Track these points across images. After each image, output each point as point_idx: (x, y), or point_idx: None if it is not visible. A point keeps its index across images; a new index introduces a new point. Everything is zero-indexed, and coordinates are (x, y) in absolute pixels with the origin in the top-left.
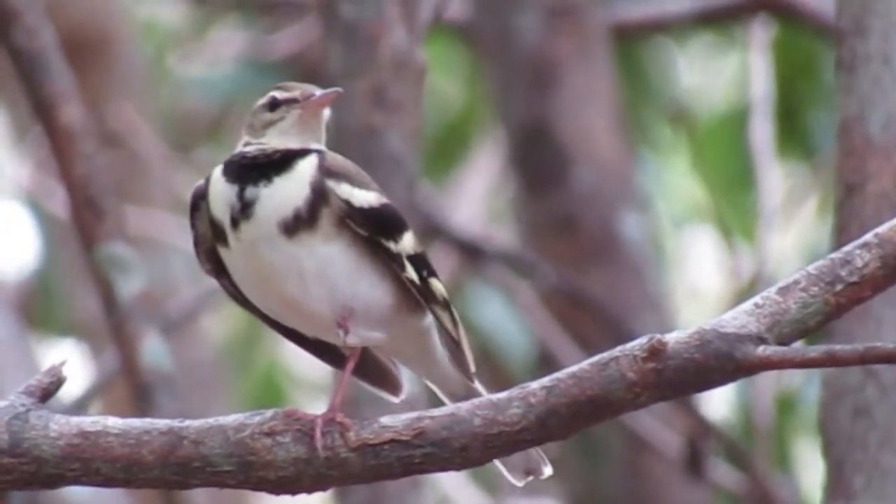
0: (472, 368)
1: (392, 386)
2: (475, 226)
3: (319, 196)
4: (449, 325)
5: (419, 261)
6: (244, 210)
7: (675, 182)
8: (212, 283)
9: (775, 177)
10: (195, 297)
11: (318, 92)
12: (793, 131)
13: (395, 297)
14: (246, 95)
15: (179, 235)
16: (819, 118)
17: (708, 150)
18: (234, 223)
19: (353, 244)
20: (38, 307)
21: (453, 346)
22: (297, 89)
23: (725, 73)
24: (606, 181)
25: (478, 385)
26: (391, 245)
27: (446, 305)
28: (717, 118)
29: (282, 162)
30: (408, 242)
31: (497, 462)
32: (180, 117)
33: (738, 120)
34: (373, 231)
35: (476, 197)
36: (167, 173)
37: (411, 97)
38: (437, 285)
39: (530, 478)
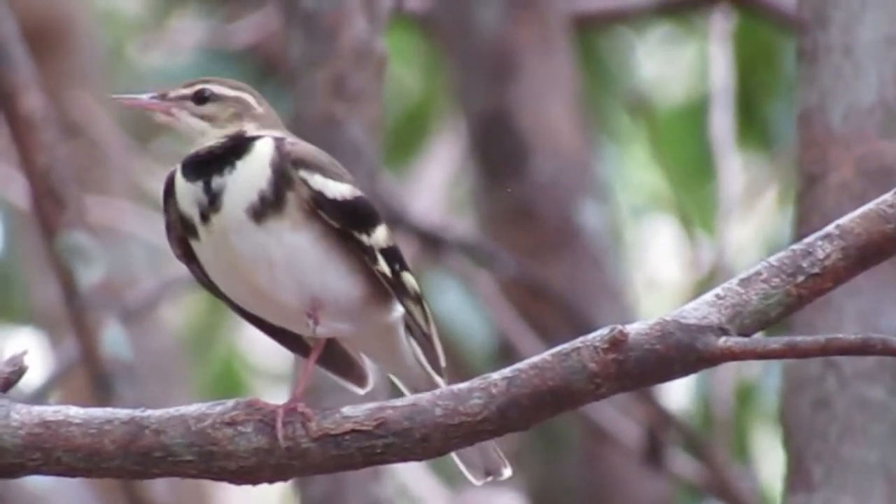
0: (443, 364)
1: (358, 377)
2: (435, 215)
3: (282, 178)
4: (421, 319)
5: (391, 254)
6: (213, 202)
7: (634, 172)
8: (171, 272)
9: (735, 167)
10: (155, 287)
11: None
12: (752, 122)
13: (364, 289)
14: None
15: (139, 225)
16: (778, 109)
17: (667, 141)
18: (204, 218)
19: (324, 235)
20: None
21: (424, 340)
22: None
23: (685, 64)
24: (566, 171)
25: (441, 382)
26: (364, 238)
27: (418, 300)
28: (677, 108)
29: (238, 147)
30: (380, 235)
31: (458, 461)
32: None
33: (697, 110)
34: (345, 223)
35: (435, 186)
36: (127, 163)
37: (372, 87)
38: (410, 279)
39: (490, 478)
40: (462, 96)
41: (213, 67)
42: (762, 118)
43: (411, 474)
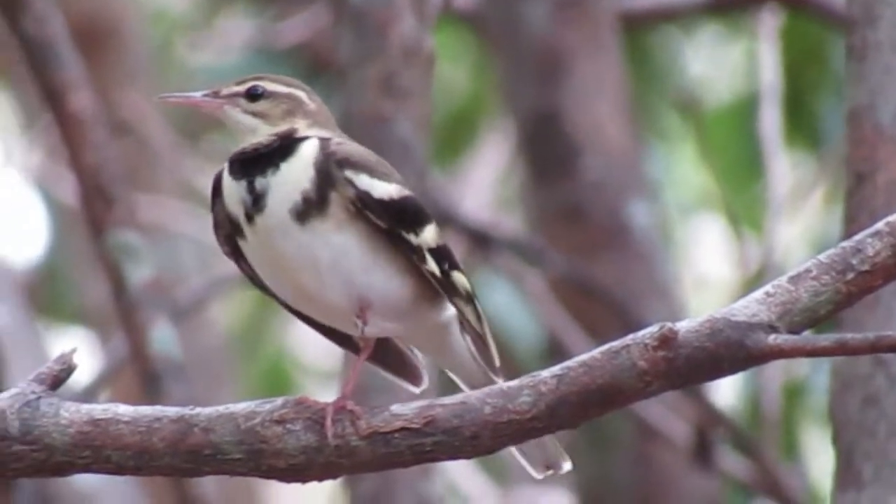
0: (497, 363)
1: (412, 375)
2: (484, 214)
3: (325, 179)
4: (472, 318)
5: (441, 253)
6: (256, 203)
7: (682, 171)
8: (221, 270)
9: (783, 166)
10: (204, 285)
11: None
12: (800, 120)
13: (414, 289)
14: None
15: (188, 223)
16: (827, 107)
17: (715, 139)
18: (249, 218)
19: (370, 235)
20: (48, 295)
21: (477, 340)
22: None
23: (733, 62)
24: (614, 170)
25: (500, 379)
26: (411, 237)
27: (469, 299)
28: (725, 107)
29: (284, 148)
30: (429, 235)
31: (517, 455)
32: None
33: (745, 109)
34: (393, 223)
35: (484, 185)
36: (176, 161)
37: (421, 85)
38: (460, 278)
39: (549, 472)
40: (511, 95)
41: (262, 66)
42: (810, 116)
43: (461, 472)
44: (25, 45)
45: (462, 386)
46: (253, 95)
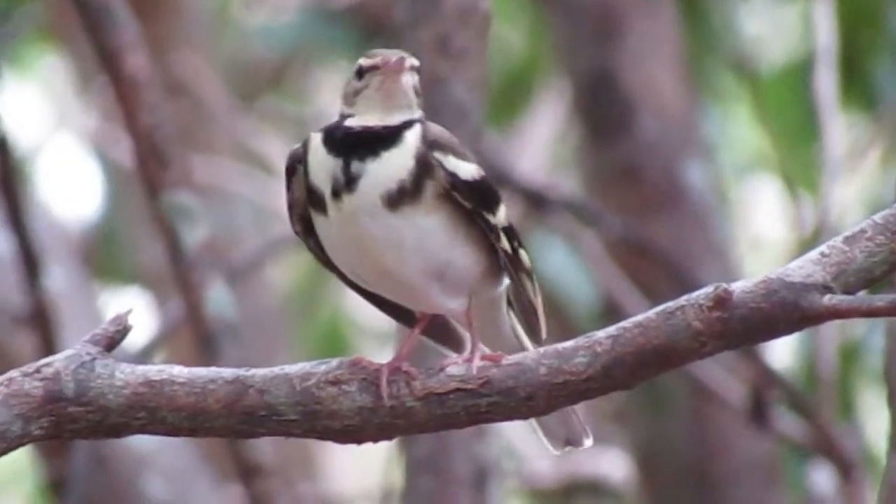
0: (544, 335)
1: (455, 344)
2: (539, 175)
3: (424, 168)
4: (531, 293)
5: (511, 232)
6: (349, 184)
7: (738, 131)
8: (276, 231)
9: (838, 127)
10: (259, 246)
11: (393, 57)
12: (856, 81)
13: (484, 265)
14: (309, 45)
15: (244, 184)
16: (882, 68)
17: (771, 100)
18: (336, 195)
19: (452, 215)
20: (103, 256)
21: (530, 311)
22: (380, 55)
23: (788, 23)
24: (670, 130)
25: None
26: (490, 217)
27: (530, 275)
28: (781, 68)
29: (388, 136)
30: (502, 214)
31: (538, 429)
32: (244, 66)
33: (801, 69)
34: (476, 203)
35: (540, 146)
36: (231, 122)
37: (476, 46)
38: (525, 255)
39: (569, 448)
40: (566, 55)
41: (317, 27)
42: (866, 77)
43: (517, 433)
44: (81, 7)
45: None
46: (418, 71)
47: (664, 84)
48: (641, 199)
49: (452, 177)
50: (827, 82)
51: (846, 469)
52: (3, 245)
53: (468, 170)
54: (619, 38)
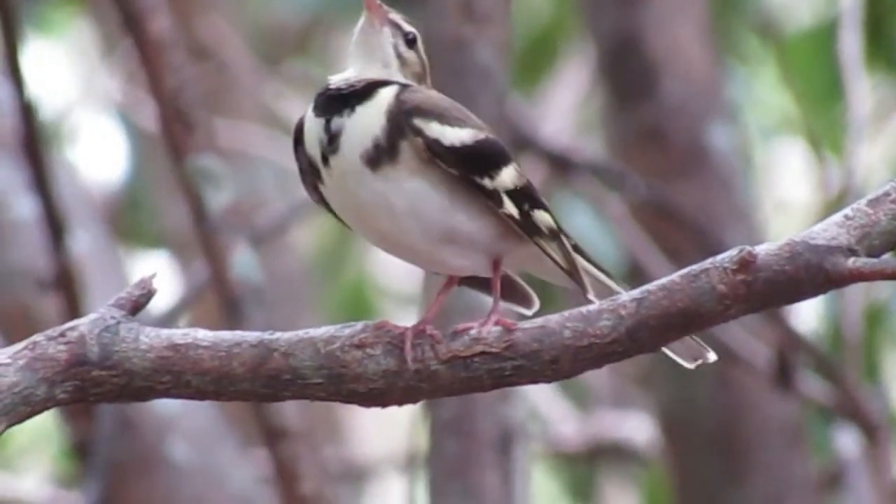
0: (590, 295)
1: (522, 298)
2: (564, 138)
3: (397, 127)
4: (557, 255)
5: (521, 194)
6: (331, 143)
7: (763, 94)
8: (301, 195)
9: (863, 89)
10: (284, 210)
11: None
12: (881, 43)
13: (498, 227)
14: (334, 8)
15: (268, 148)
16: None
17: (796, 63)
18: (325, 159)
19: (446, 180)
20: (128, 220)
21: (567, 274)
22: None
23: None
24: (695, 93)
25: (616, 286)
26: (486, 182)
27: (554, 235)
28: (806, 30)
29: (364, 91)
30: (507, 177)
31: (667, 350)
32: (269, 29)
33: (826, 32)
34: (465, 170)
35: (564, 109)
36: (256, 86)
37: (500, 9)
38: (543, 216)
39: (699, 362)
40: (591, 19)
41: None
42: (890, 40)
43: (542, 397)
44: None
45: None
46: (411, 40)
47: (689, 47)
48: (666, 163)
49: (434, 143)
50: (852, 44)
51: (871, 432)
52: (28, 208)
53: (456, 135)
54: (643, 1)
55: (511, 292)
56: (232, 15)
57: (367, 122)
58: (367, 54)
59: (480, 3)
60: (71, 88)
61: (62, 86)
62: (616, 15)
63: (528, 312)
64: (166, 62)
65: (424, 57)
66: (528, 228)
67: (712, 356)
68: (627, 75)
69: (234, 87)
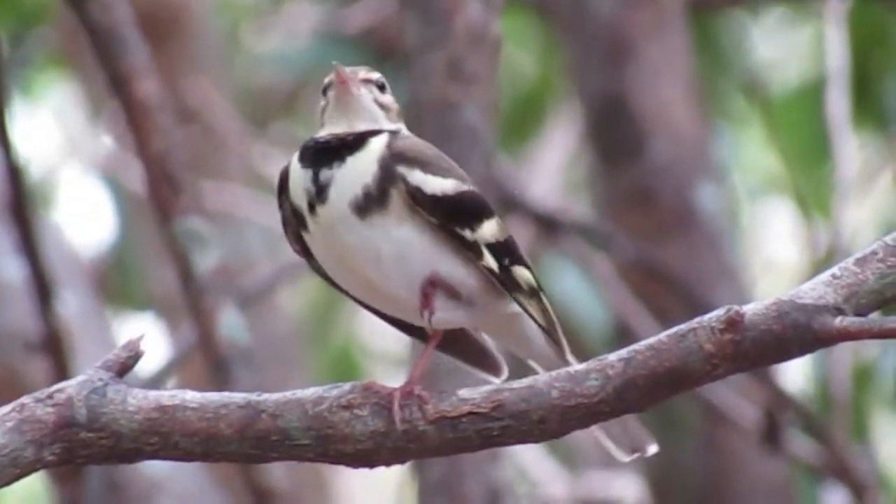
0: (567, 353)
1: (492, 366)
2: (551, 198)
3: (388, 174)
4: (536, 313)
5: (501, 248)
6: (319, 193)
7: (750, 154)
8: (288, 256)
9: (850, 148)
10: (272, 271)
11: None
12: (868, 103)
13: (480, 279)
14: (321, 70)
15: (255, 210)
16: (894, 89)
17: (783, 122)
18: (311, 208)
19: (430, 228)
20: (115, 282)
21: (545, 332)
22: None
23: (800, 45)
24: (683, 153)
25: (573, 361)
26: (466, 233)
27: (534, 293)
28: (793, 90)
29: (355, 142)
30: (488, 230)
31: (603, 439)
32: (256, 92)
33: (813, 92)
34: (444, 219)
35: (552, 169)
36: (243, 148)
37: (487, 70)
38: (523, 273)
39: (636, 455)
40: (578, 79)
41: (329, 52)
42: (878, 99)
43: (530, 457)
44: (91, 31)
45: (540, 371)
46: (382, 86)
47: (676, 107)
48: (654, 223)
49: (416, 190)
50: (839, 104)
51: (860, 491)
52: (15, 271)
53: (439, 185)
54: (630, 60)
55: (481, 359)
56: (219, 77)
57: (357, 171)
58: (352, 116)
59: (467, 63)
60: (58, 151)
61: (49, 148)
62: (603, 75)
63: (497, 380)
64: (153, 124)
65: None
66: (508, 283)
67: (653, 448)
68: (614, 135)
69: (221, 149)
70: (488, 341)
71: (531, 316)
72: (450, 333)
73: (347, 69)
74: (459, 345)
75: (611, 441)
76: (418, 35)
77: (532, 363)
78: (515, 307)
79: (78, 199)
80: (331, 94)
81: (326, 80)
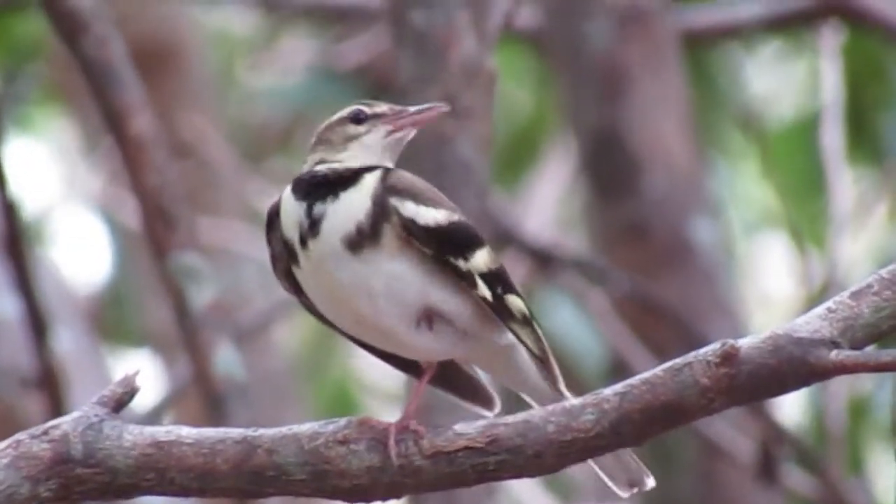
0: (560, 384)
1: (484, 399)
2: (546, 233)
3: (381, 210)
4: (530, 341)
5: (494, 277)
6: (312, 227)
7: (745, 188)
8: (283, 292)
9: (845, 182)
10: (267, 307)
11: (412, 108)
12: (863, 136)
13: (473, 310)
14: (316, 105)
15: (251, 245)
16: (889, 123)
17: (778, 156)
18: (303, 242)
19: (423, 260)
20: (111, 318)
21: (538, 361)
22: (383, 106)
23: (795, 79)
24: (677, 187)
25: (567, 394)
26: (460, 263)
27: (527, 322)
28: (788, 124)
29: (350, 178)
30: (480, 259)
31: (601, 474)
32: (251, 127)
33: (808, 125)
34: (439, 250)
35: (547, 204)
36: (238, 183)
37: (482, 105)
38: (516, 302)
39: (634, 489)
40: (573, 113)
41: (324, 87)
42: (873, 132)
43: (526, 491)
44: (86, 67)
45: (534, 405)
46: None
47: (671, 141)
48: (649, 257)
49: (409, 222)
50: (834, 137)
51: None
52: (10, 308)
53: (431, 216)
54: (625, 95)
55: (472, 393)
56: (213, 112)
57: (351, 207)
58: (389, 151)
59: (462, 98)
60: (53, 187)
61: (44, 184)
62: (597, 109)
63: (489, 414)
64: (148, 160)
65: None
66: (501, 312)
67: (651, 482)
68: (609, 170)
69: (216, 185)
70: (480, 375)
71: (525, 344)
72: (441, 367)
73: (413, 108)
74: (451, 379)
75: (608, 476)
76: (412, 70)
77: (525, 397)
78: (508, 339)
79: (73, 234)
80: (381, 126)
81: (370, 109)
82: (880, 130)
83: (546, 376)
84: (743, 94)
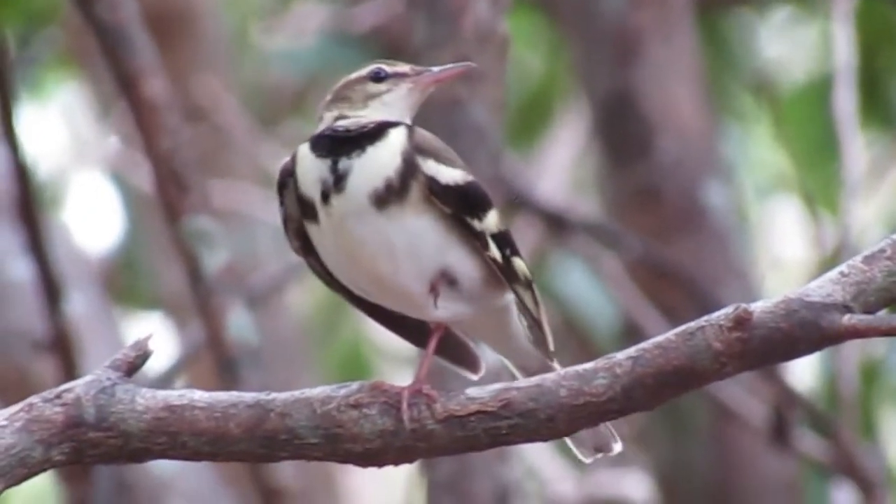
0: (552, 348)
1: (470, 363)
2: (559, 197)
3: (410, 167)
4: (530, 304)
5: (502, 239)
6: (337, 183)
7: (758, 152)
8: (296, 256)
9: (858, 146)
10: (280, 270)
11: (435, 69)
12: (875, 100)
13: (482, 272)
14: (329, 68)
15: (264, 208)
16: None
17: (791, 120)
18: (325, 198)
19: (441, 219)
20: (123, 282)
21: (534, 325)
22: (404, 66)
23: (808, 43)
24: (690, 151)
25: (555, 363)
26: (475, 223)
27: (528, 285)
28: (800, 88)
29: (375, 132)
30: (491, 220)
31: (567, 439)
32: (264, 90)
33: (820, 89)
34: (457, 208)
35: (560, 168)
36: (251, 146)
37: (495, 69)
38: (520, 264)
39: (599, 455)
40: (585, 78)
41: (337, 51)
42: (885, 97)
43: (538, 456)
44: (99, 31)
45: (515, 372)
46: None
47: (684, 105)
48: (661, 221)
49: (431, 180)
50: (846, 101)
51: (868, 489)
52: (23, 271)
53: (450, 174)
54: (638, 59)
55: (460, 356)
56: (227, 75)
57: (380, 162)
58: (410, 110)
59: (475, 61)
60: (66, 151)
61: (57, 148)
62: (610, 74)
63: (475, 377)
64: (161, 124)
65: None
66: (508, 274)
67: (618, 447)
68: (622, 134)
69: (229, 148)
70: (468, 337)
71: (526, 307)
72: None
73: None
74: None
75: (573, 440)
76: (425, 34)
77: (507, 361)
78: (505, 301)
79: (86, 198)
80: (403, 84)
81: (390, 68)
82: (893, 95)
83: (537, 340)
84: (755, 58)
